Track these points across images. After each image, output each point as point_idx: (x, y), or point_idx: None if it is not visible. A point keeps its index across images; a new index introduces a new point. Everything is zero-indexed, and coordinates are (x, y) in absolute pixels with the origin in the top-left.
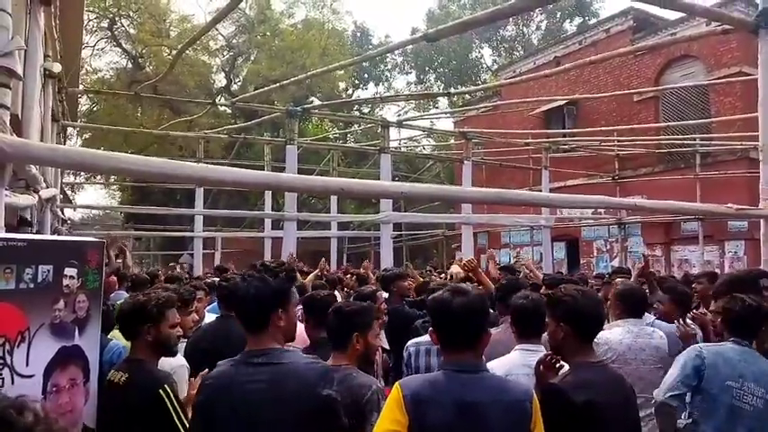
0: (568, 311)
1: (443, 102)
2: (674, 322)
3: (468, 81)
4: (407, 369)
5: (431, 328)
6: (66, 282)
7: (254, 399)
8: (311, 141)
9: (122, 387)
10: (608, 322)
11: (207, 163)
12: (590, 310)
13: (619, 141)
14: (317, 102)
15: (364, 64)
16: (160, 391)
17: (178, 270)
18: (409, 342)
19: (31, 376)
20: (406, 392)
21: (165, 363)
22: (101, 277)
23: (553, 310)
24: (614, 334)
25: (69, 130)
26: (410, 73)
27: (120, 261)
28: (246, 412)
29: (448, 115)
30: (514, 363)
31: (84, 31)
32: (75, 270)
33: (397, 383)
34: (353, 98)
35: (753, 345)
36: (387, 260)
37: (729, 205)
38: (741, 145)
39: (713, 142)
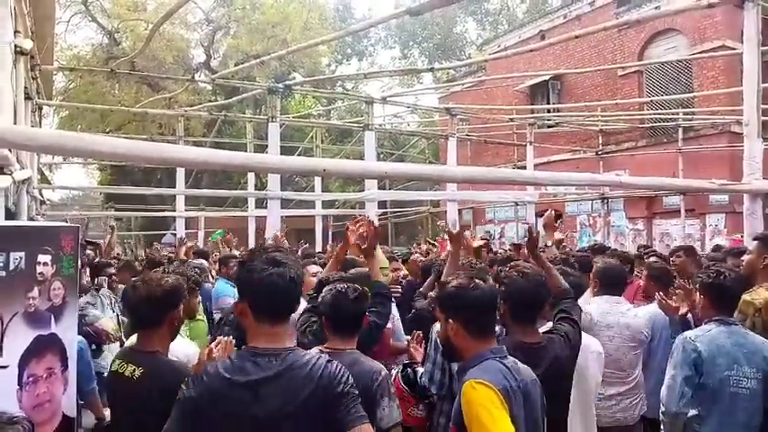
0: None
1: (428, 77)
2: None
3: (452, 56)
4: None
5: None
6: (39, 269)
7: None
8: (294, 119)
9: (137, 382)
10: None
11: (187, 141)
12: (527, 294)
13: (603, 116)
14: (299, 78)
15: (347, 39)
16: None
17: (162, 253)
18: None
19: (5, 367)
20: (499, 387)
21: (179, 350)
22: (76, 263)
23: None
24: (588, 309)
25: (45, 108)
26: (394, 48)
27: (108, 238)
28: None
29: (432, 91)
30: None
31: (57, 6)
32: (50, 257)
33: (478, 382)
34: (336, 74)
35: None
36: None
37: (712, 181)
38: (723, 119)
39: (695, 117)
